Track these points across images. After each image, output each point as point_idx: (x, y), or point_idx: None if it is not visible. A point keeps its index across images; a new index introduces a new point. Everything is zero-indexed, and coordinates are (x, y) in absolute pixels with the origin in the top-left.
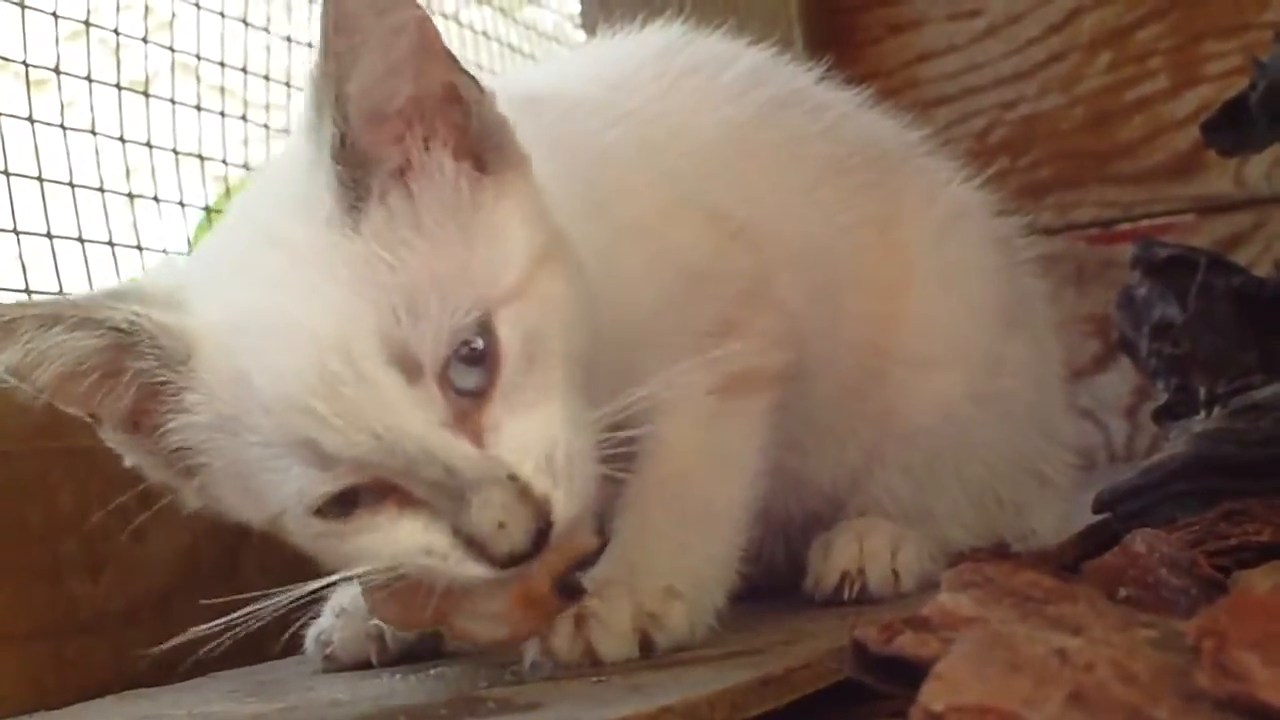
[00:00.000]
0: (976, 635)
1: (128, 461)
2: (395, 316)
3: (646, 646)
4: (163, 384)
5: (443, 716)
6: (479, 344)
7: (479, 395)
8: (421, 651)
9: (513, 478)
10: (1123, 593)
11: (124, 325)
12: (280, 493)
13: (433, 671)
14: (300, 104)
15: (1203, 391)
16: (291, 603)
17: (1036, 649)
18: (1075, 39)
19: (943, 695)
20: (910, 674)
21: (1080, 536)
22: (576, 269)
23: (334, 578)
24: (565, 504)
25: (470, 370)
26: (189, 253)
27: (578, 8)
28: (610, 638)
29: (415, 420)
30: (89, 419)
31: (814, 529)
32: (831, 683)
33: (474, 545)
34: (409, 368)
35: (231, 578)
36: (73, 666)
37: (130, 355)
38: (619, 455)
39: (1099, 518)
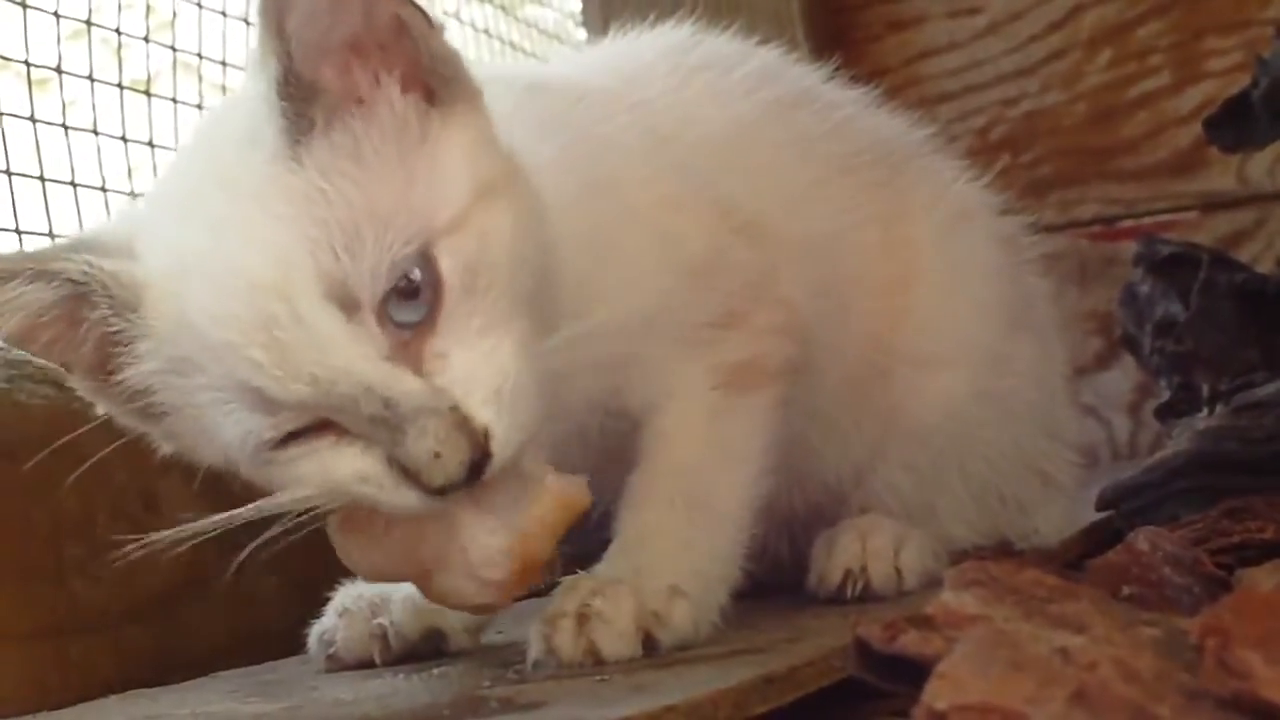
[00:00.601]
0: (980, 634)
1: (99, 409)
2: (333, 252)
3: (650, 645)
4: (118, 332)
5: (446, 716)
6: (417, 275)
7: (421, 326)
8: (424, 651)
9: (454, 408)
10: (1126, 591)
11: (78, 276)
12: (226, 437)
13: (436, 671)
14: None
15: (1205, 389)
16: (230, 524)
17: (1040, 648)
18: (1076, 36)
19: (946, 694)
20: (914, 672)
21: (1083, 534)
22: (529, 204)
23: (278, 499)
24: (505, 436)
25: (409, 303)
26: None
27: (579, 6)
28: (613, 637)
29: (353, 356)
30: (61, 368)
31: (817, 525)
32: (835, 681)
33: (408, 474)
34: (347, 304)
35: (235, 579)
36: (75, 666)
37: (86, 305)
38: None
39: (1102, 515)
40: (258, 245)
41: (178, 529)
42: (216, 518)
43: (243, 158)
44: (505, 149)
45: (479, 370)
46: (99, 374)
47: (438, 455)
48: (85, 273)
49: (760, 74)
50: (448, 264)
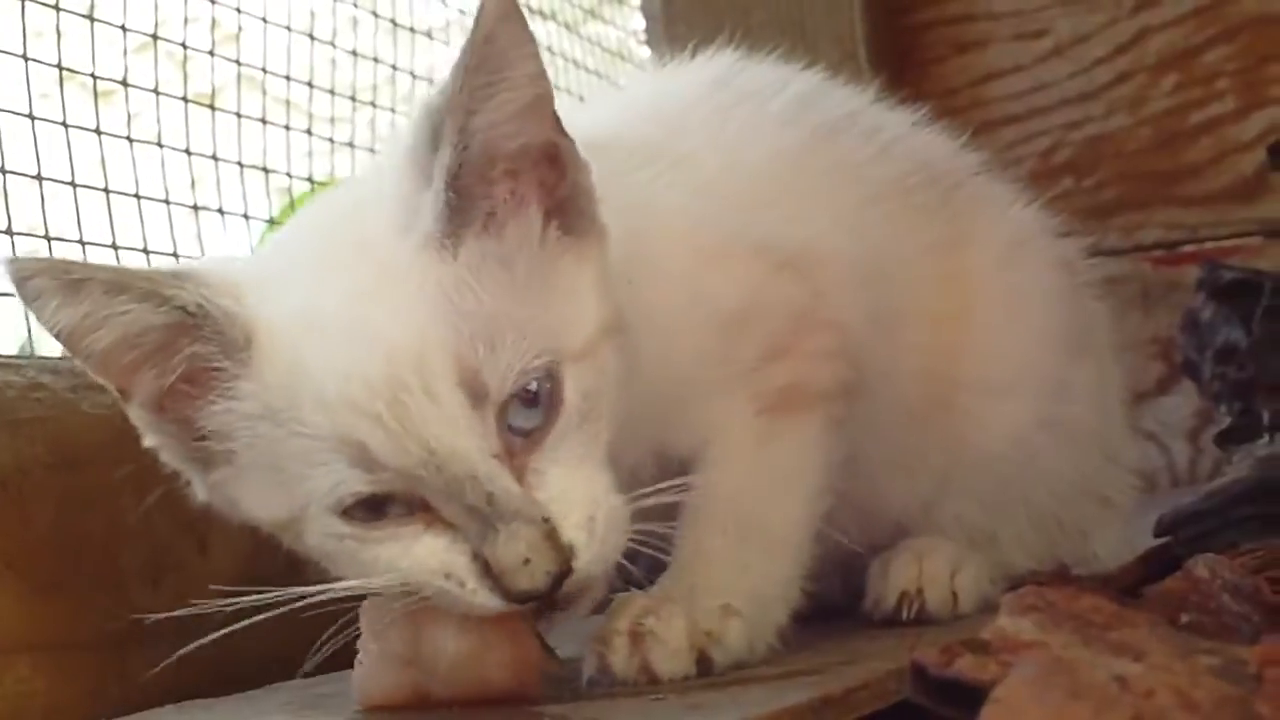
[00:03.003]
0: (1037, 659)
1: (146, 441)
2: (471, 343)
3: (704, 665)
4: (215, 369)
5: None
6: (537, 387)
7: (529, 437)
8: None
9: (546, 520)
10: (1184, 618)
11: (190, 307)
12: (313, 486)
13: None
14: (400, 125)
15: (1266, 415)
16: (302, 602)
17: (1097, 675)
18: (1142, 60)
19: (1002, 719)
20: (969, 697)
21: (1141, 560)
22: (627, 346)
23: (350, 583)
24: (589, 559)
25: (527, 411)
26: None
27: (642, 24)
28: (667, 655)
29: (470, 443)
30: (117, 392)
31: (876, 552)
32: (890, 704)
33: (492, 575)
34: (476, 393)
35: (292, 586)
36: (134, 676)
37: (189, 336)
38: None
39: (1160, 541)
40: (400, 317)
41: (235, 600)
42: (290, 591)
43: (390, 234)
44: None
45: (575, 494)
46: (160, 408)
47: (527, 561)
48: (200, 305)
49: (799, 100)
50: (571, 386)
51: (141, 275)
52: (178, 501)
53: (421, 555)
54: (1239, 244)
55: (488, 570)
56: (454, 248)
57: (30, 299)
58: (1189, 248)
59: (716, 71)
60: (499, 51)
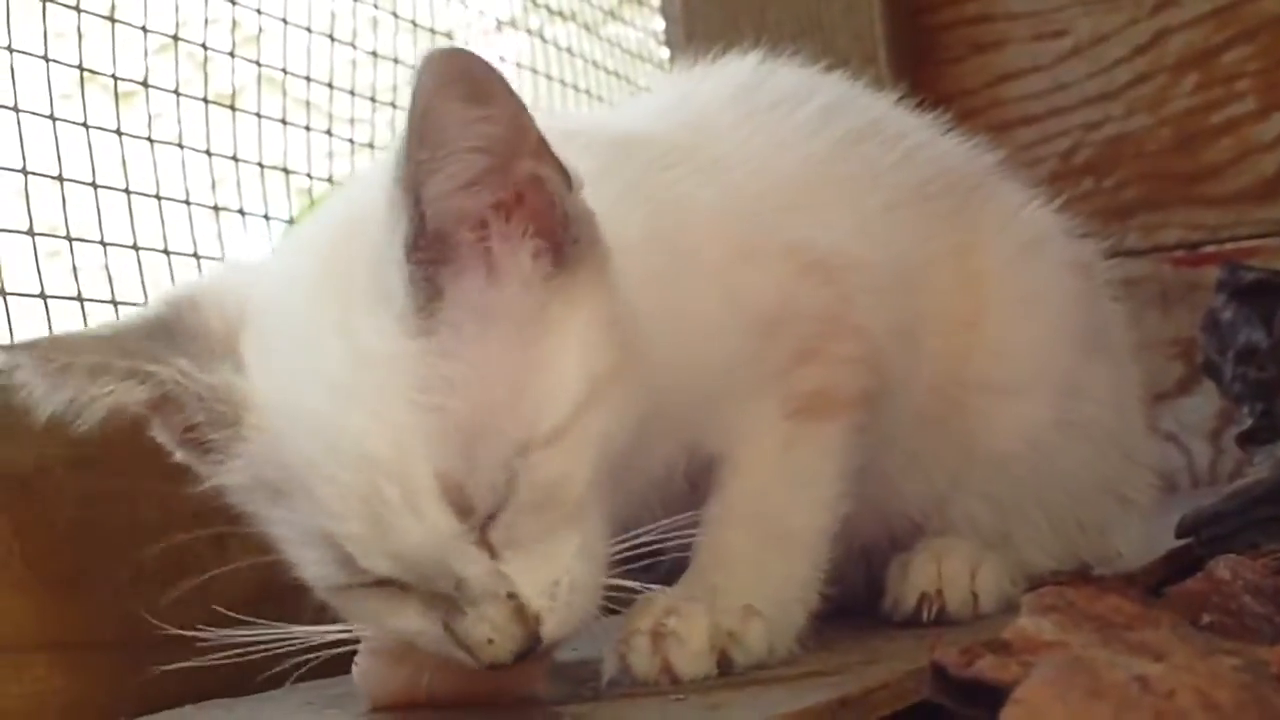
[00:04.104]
0: (1057, 660)
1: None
2: (452, 451)
3: (725, 665)
4: (209, 440)
5: None
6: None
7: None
8: None
9: (511, 595)
10: (1206, 619)
11: (169, 385)
12: (304, 568)
13: None
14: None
15: None
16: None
17: (1118, 675)
18: (1162, 60)
19: (1023, 719)
20: (990, 697)
21: (1163, 561)
22: (633, 389)
23: (351, 629)
24: (556, 626)
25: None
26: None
27: (662, 25)
28: (688, 655)
29: (455, 550)
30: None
31: (894, 551)
32: (910, 704)
33: (462, 646)
34: (462, 509)
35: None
36: (154, 675)
37: (176, 408)
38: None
39: (1181, 542)
40: (378, 421)
41: (250, 631)
42: (293, 631)
43: (368, 310)
44: (629, 322)
45: (538, 562)
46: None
47: (490, 641)
48: (179, 383)
49: (828, 108)
50: (524, 480)
51: (127, 350)
52: (197, 502)
53: (399, 620)
54: (1259, 244)
55: (458, 642)
56: (426, 326)
57: (18, 388)
58: (1209, 248)
59: (744, 77)
60: (437, 127)
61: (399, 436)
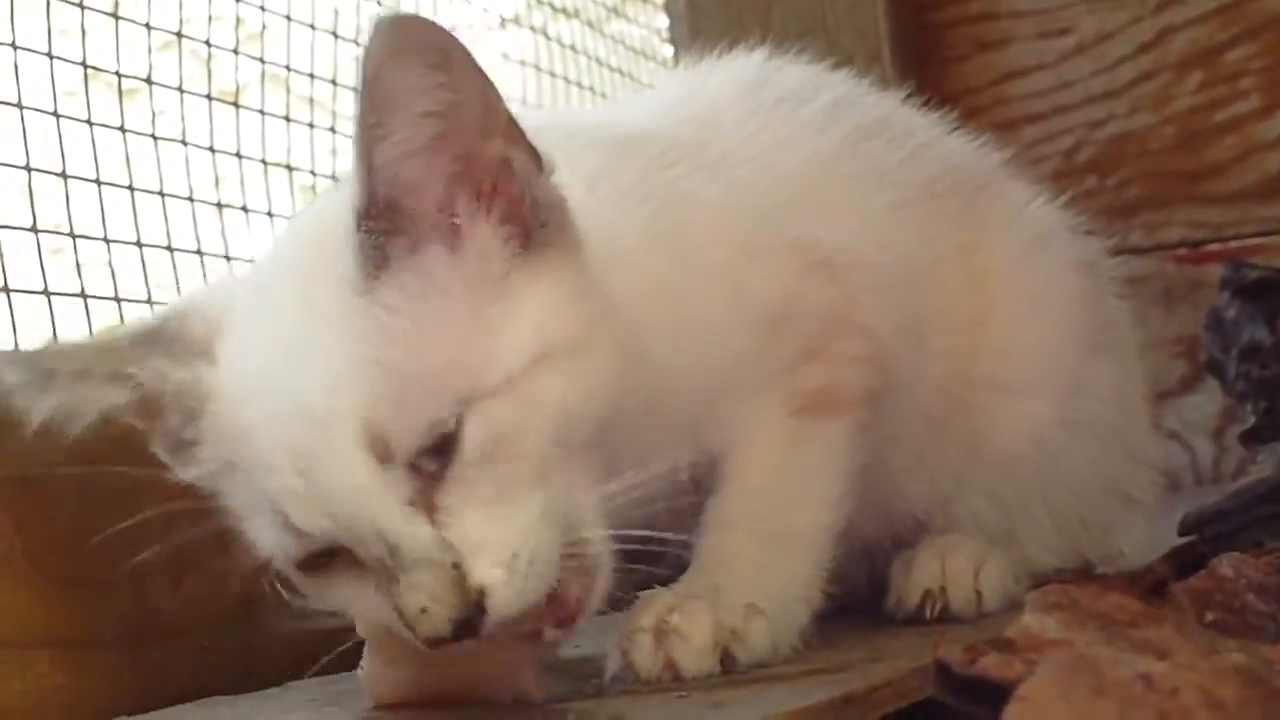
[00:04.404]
0: (1061, 658)
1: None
2: (380, 400)
3: (728, 662)
4: (186, 440)
5: None
6: (450, 428)
7: (436, 476)
8: None
9: (456, 565)
10: (1209, 617)
11: (149, 384)
12: (265, 543)
13: None
14: None
15: None
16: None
17: (1122, 673)
18: (1166, 58)
19: (1026, 717)
20: (993, 695)
21: (1166, 559)
22: (605, 364)
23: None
24: (506, 599)
25: (436, 454)
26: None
27: (665, 22)
28: (692, 653)
29: (374, 503)
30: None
31: (898, 548)
32: (913, 702)
33: (403, 620)
34: (382, 455)
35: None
36: (154, 673)
37: (156, 411)
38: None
39: (1185, 540)
40: (313, 376)
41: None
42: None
43: (323, 275)
44: (598, 304)
45: (491, 531)
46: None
47: (424, 610)
48: (155, 383)
49: (834, 105)
50: (470, 431)
51: (110, 354)
52: (199, 500)
53: (354, 601)
54: (1263, 242)
55: (399, 616)
56: (371, 290)
57: (8, 395)
58: (1213, 246)
59: (751, 74)
60: (386, 93)
61: (332, 383)
